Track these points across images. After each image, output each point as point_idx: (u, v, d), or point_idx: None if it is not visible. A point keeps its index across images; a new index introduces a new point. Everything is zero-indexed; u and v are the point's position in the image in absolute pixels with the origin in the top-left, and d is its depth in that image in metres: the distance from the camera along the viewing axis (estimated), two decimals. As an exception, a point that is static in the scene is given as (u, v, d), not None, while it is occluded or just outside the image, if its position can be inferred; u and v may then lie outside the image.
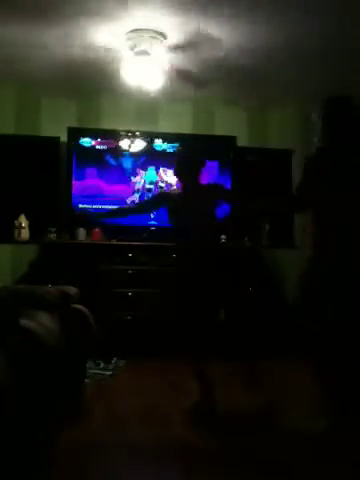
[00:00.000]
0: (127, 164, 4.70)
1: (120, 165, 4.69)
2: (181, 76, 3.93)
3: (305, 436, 2.31)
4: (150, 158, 4.73)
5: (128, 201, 4.65)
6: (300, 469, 2.08)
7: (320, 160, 2.49)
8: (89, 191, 4.63)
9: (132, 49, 3.56)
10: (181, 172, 2.91)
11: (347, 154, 2.42)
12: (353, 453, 2.19)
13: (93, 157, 4.65)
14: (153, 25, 3.37)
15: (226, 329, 4.31)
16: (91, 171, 4.65)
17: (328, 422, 2.32)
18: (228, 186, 4.75)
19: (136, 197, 4.67)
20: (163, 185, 4.72)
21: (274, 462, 2.14)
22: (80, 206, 4.59)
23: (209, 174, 4.75)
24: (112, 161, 4.69)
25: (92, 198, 4.61)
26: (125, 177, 4.69)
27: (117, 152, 4.68)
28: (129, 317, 4.30)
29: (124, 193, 4.67)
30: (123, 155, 4.69)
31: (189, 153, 3.04)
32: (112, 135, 4.69)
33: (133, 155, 4.70)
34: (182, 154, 2.98)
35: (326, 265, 2.34)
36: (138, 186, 4.69)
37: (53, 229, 4.42)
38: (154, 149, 4.74)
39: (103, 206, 4.60)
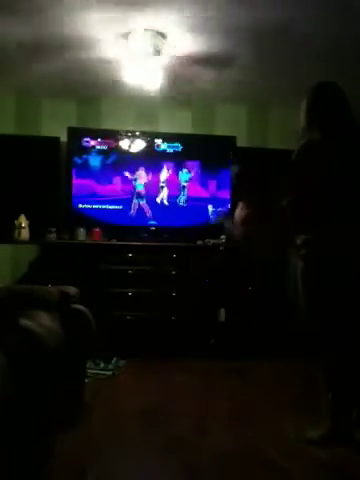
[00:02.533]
0: (127, 164, 4.70)
1: (120, 165, 4.69)
2: None
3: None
4: (150, 158, 4.73)
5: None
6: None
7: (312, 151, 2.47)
8: (89, 191, 4.63)
9: (132, 49, 3.55)
10: None
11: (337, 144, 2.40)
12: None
13: (93, 157, 4.66)
14: (153, 25, 3.37)
15: (226, 329, 4.35)
16: (91, 171, 4.65)
17: (327, 427, 2.31)
18: (228, 186, 4.77)
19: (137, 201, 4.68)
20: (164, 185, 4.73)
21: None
22: (80, 206, 4.59)
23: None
24: (112, 161, 4.69)
25: (92, 198, 4.61)
26: (125, 177, 4.68)
27: (117, 152, 4.68)
28: (129, 317, 4.31)
29: (124, 193, 4.67)
30: (123, 155, 4.69)
31: None
32: (112, 135, 4.68)
33: (133, 155, 4.70)
34: None
35: (325, 263, 2.31)
36: (139, 187, 4.69)
37: (53, 229, 4.42)
38: (154, 149, 4.74)
39: (103, 206, 4.61)
